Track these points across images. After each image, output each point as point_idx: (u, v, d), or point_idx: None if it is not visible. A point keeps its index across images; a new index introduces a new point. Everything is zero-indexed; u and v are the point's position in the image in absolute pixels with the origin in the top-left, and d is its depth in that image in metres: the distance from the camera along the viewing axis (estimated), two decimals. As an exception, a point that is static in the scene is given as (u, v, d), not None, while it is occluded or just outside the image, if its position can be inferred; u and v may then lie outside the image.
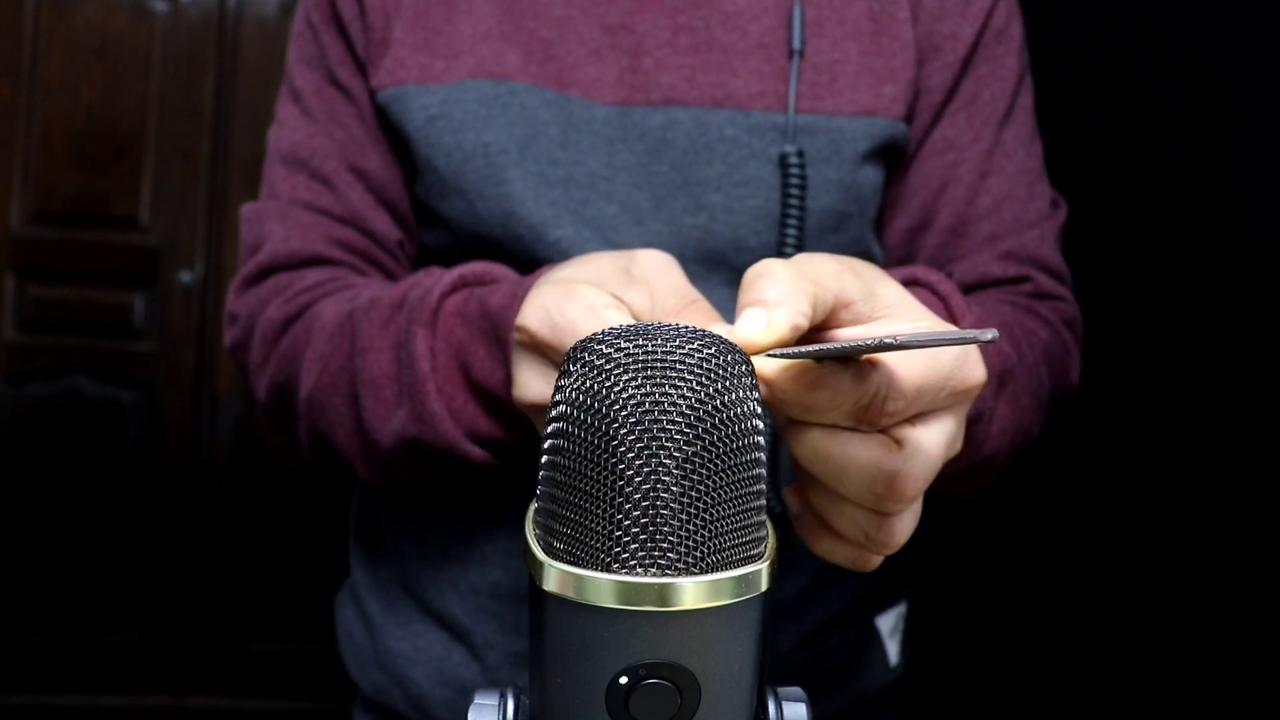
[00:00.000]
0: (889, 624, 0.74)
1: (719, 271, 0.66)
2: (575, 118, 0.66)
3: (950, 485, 0.59)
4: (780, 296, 0.38)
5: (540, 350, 0.48)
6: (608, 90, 0.66)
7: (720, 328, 0.43)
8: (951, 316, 0.55)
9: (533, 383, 0.49)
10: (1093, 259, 1.68)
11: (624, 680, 0.32)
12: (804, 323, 0.38)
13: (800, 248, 0.63)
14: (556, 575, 0.33)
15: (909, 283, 0.57)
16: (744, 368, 0.35)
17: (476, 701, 0.37)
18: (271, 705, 2.28)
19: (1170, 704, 1.51)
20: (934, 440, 0.40)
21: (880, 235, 0.72)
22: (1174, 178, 1.57)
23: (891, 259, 0.72)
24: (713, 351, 0.34)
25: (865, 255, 0.70)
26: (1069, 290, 0.72)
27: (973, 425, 0.54)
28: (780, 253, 0.64)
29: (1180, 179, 1.56)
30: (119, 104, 2.26)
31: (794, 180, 0.64)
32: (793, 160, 0.64)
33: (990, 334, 0.31)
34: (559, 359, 0.46)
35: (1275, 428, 1.39)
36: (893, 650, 0.74)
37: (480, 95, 0.66)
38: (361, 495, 0.78)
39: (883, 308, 0.41)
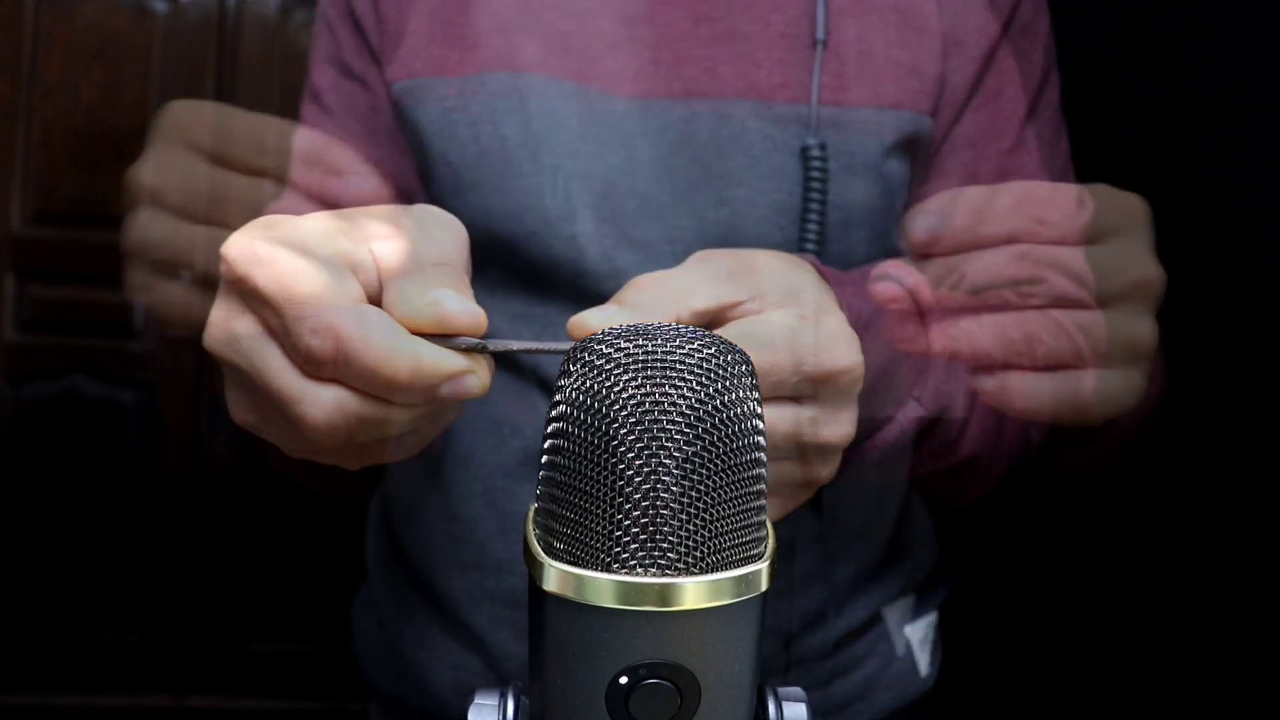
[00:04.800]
0: (919, 634, 0.73)
1: None
2: (595, 111, 0.64)
3: (930, 485, 0.60)
4: (640, 306, 0.43)
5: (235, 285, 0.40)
6: (628, 83, 0.65)
7: (451, 296, 0.39)
8: (918, 308, 0.55)
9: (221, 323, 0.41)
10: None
11: (624, 680, 0.32)
12: None
13: (821, 243, 0.63)
14: (556, 575, 0.33)
15: (879, 278, 0.57)
16: (744, 368, 0.35)
17: (476, 701, 0.37)
18: (271, 705, 2.28)
19: (1186, 706, 1.51)
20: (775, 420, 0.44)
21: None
22: (1199, 172, 1.56)
23: (913, 256, 0.71)
24: (713, 351, 0.34)
25: (892, 251, 0.69)
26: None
27: (939, 424, 0.55)
28: (801, 249, 0.63)
29: (1207, 174, 1.56)
30: (119, 104, 2.26)
31: (815, 174, 0.62)
32: (814, 153, 0.62)
33: (567, 345, 0.36)
34: (245, 296, 0.40)
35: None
36: (923, 661, 0.72)
37: (498, 87, 0.64)
38: (382, 497, 0.77)
39: (773, 303, 0.46)
